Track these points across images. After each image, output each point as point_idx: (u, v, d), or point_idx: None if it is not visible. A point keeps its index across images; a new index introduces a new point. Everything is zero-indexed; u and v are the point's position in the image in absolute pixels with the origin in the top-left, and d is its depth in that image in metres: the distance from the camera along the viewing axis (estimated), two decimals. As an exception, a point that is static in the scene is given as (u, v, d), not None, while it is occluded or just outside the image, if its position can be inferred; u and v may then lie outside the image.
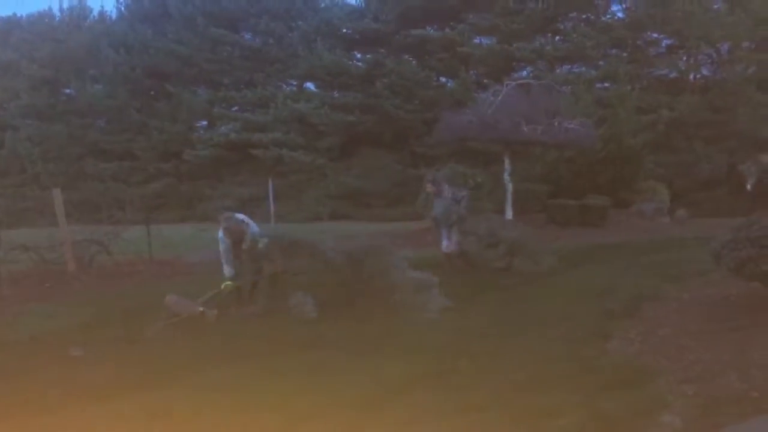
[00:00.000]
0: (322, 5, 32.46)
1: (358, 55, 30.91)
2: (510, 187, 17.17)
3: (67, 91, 32.47)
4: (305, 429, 4.29)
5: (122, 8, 33.74)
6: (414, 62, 28.88)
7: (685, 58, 28.24)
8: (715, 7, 26.18)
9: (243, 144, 28.06)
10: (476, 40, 28.84)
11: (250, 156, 27.73)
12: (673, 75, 28.17)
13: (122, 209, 25.28)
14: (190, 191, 28.60)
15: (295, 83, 31.62)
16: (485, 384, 5.04)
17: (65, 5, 35.24)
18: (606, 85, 26.65)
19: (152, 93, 31.06)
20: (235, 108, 30.77)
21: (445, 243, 10.40)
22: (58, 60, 31.75)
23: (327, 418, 4.47)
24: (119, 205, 25.82)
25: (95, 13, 34.78)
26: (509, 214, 17.05)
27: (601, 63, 27.67)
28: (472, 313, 7.61)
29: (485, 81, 26.39)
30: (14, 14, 35.79)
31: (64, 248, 11.67)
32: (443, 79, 29.48)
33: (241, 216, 8.57)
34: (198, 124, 31.40)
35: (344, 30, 30.56)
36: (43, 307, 8.93)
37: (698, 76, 28.14)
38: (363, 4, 31.26)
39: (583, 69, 27.71)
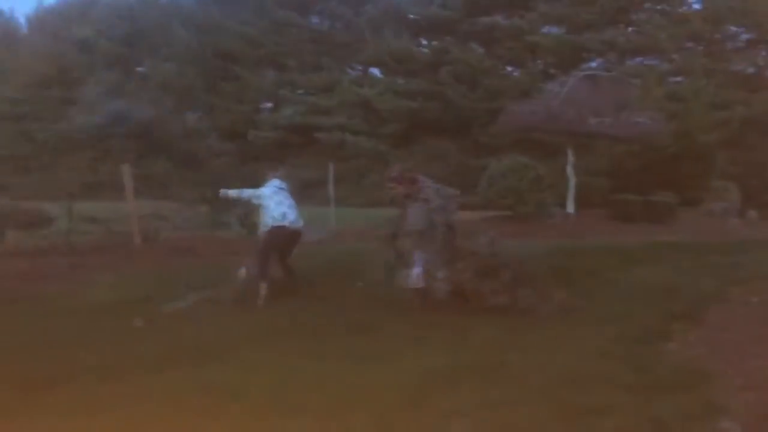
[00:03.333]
0: (391, -10, 32.39)
1: (425, 42, 30.76)
2: (573, 180, 16.85)
3: (140, 68, 33.41)
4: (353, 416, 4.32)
5: (195, -11, 34.45)
6: (480, 50, 28.56)
7: (764, 53, 27.07)
8: (800, 0, 25.05)
9: (307, 127, 28.36)
10: (545, 30, 28.30)
11: (313, 139, 28.00)
12: (751, 70, 27.06)
13: (187, 187, 25.94)
14: (251, 171, 29.04)
15: (360, 68, 31.76)
16: (534, 379, 4.97)
17: (141, -15, 36.03)
18: (679, 79, 25.80)
19: (220, 73, 31.65)
20: (301, 91, 31.11)
21: (416, 272, 7.21)
22: (133, 38, 32.68)
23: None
24: (185, 183, 26.50)
25: (169, -7, 35.55)
26: (571, 208, 16.76)
27: (675, 56, 26.79)
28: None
29: (552, 71, 25.92)
30: (93, -7, 36.74)
31: (131, 222, 12.05)
32: (509, 69, 29.09)
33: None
34: (263, 106, 31.89)
35: (411, 16, 30.46)
36: (109, 278, 9.24)
37: (778, 72, 26.97)
38: (431, -9, 31.06)
39: (656, 62, 26.89)
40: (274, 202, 8.13)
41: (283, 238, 8.16)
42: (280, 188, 8.34)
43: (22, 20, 37.27)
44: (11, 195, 21.40)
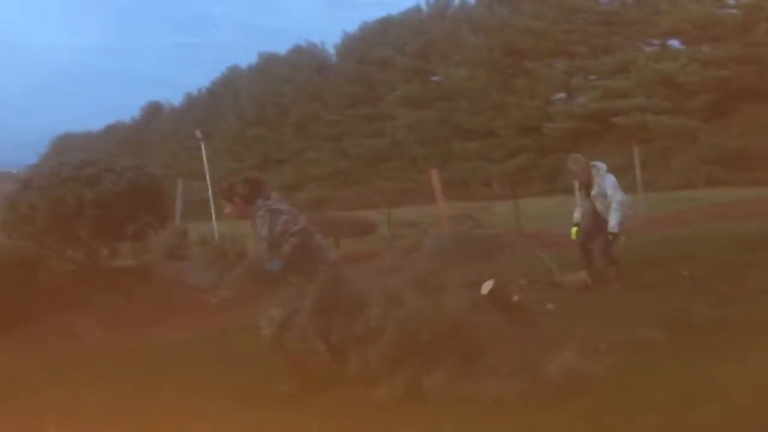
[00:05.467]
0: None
1: (732, 2, 27.67)
2: None
3: (435, 78, 35.25)
4: None
5: (481, -8, 35.35)
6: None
7: None
8: None
9: (603, 113, 27.39)
10: None
11: (611, 124, 26.90)
12: None
13: (488, 185, 26.62)
14: (550, 165, 28.83)
15: (657, 42, 29.69)
16: None
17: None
18: None
19: (509, 71, 31.98)
20: (593, 76, 30.10)
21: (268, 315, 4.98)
22: (426, 50, 34.60)
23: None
24: (485, 182, 27.24)
25: (456, 1, 36.99)
26: None
27: None
28: None
29: None
30: (388, 14, 39.64)
31: (442, 224, 12.71)
32: None
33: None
34: (555, 97, 31.45)
35: (713, -24, 27.65)
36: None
37: None
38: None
39: None
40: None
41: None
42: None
43: (331, 50, 41.57)
44: (336, 207, 24.06)
